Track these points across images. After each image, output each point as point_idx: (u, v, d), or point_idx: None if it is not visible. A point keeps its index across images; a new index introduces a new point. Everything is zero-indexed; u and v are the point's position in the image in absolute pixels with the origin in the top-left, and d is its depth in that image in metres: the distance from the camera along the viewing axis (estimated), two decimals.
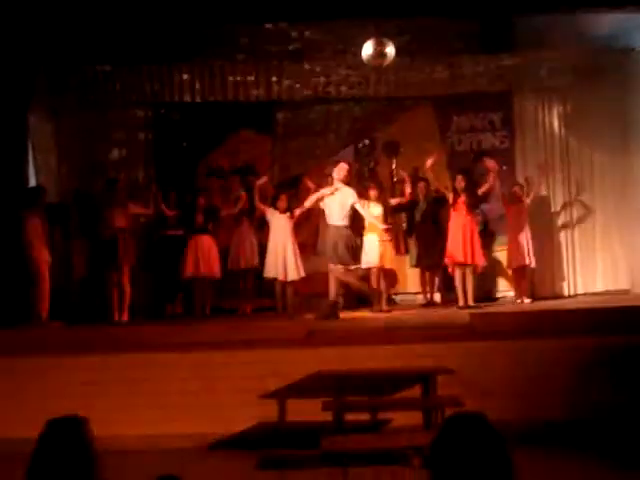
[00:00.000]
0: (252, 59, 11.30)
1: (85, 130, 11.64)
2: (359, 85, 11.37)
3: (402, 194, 11.12)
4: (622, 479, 5.91)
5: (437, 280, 11.32)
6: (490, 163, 10.88)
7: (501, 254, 11.41)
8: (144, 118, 12.00)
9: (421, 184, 11.06)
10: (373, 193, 10.61)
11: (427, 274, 11.25)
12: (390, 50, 9.71)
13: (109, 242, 10.25)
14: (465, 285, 10.37)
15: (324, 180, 10.91)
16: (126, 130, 11.86)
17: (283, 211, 10.54)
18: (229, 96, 11.44)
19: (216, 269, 10.83)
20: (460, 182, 10.43)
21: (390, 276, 11.12)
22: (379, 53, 9.71)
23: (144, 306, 11.09)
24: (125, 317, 10.39)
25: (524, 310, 10.09)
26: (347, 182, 9.74)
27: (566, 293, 11.68)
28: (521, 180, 11.43)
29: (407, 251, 11.58)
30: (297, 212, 10.49)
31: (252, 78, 11.32)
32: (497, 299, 11.62)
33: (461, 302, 10.34)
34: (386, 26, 10.13)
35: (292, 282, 10.62)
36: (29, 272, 9.73)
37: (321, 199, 9.70)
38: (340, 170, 9.72)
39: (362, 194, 10.91)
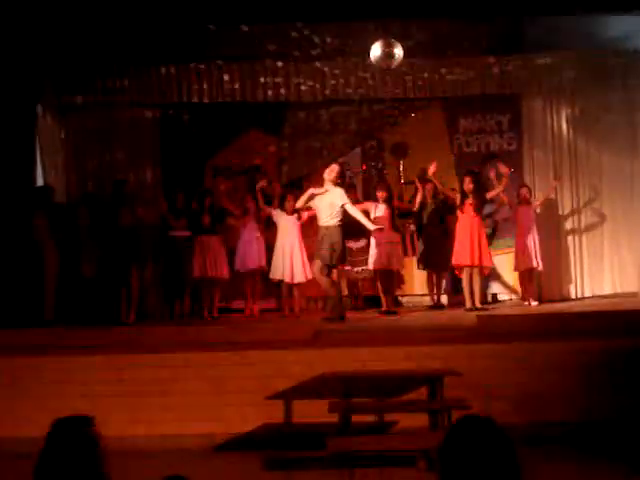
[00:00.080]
0: (260, 60, 11.29)
1: (93, 130, 11.67)
2: (367, 86, 11.35)
3: (412, 200, 11.10)
4: None
5: (444, 282, 11.31)
6: (504, 168, 10.87)
7: (508, 256, 11.38)
8: (152, 119, 12.02)
9: (429, 186, 11.03)
10: (381, 194, 10.61)
11: (434, 276, 11.24)
12: (398, 51, 9.70)
13: (118, 242, 10.27)
14: (472, 287, 10.35)
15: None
16: (134, 130, 11.88)
17: (291, 212, 10.54)
18: (237, 97, 11.44)
19: (223, 270, 10.83)
20: (468, 184, 10.41)
21: (397, 278, 11.12)
22: (387, 54, 9.71)
23: (152, 307, 11.10)
24: (132, 317, 10.40)
25: (531, 313, 10.07)
26: (337, 183, 9.72)
27: (573, 296, 11.66)
28: (528, 182, 11.43)
29: (415, 253, 11.56)
30: (305, 214, 10.49)
31: (260, 79, 11.32)
32: (502, 301, 11.60)
33: (468, 304, 10.33)
34: (394, 27, 10.12)
35: (299, 283, 10.62)
36: (36, 272, 9.75)
37: (312, 198, 9.69)
38: (331, 171, 9.72)
39: (370, 195, 10.94)
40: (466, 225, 10.31)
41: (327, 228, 9.58)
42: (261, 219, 11.14)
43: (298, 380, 7.39)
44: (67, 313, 10.13)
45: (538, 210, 11.19)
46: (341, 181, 9.79)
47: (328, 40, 10.95)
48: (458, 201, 10.47)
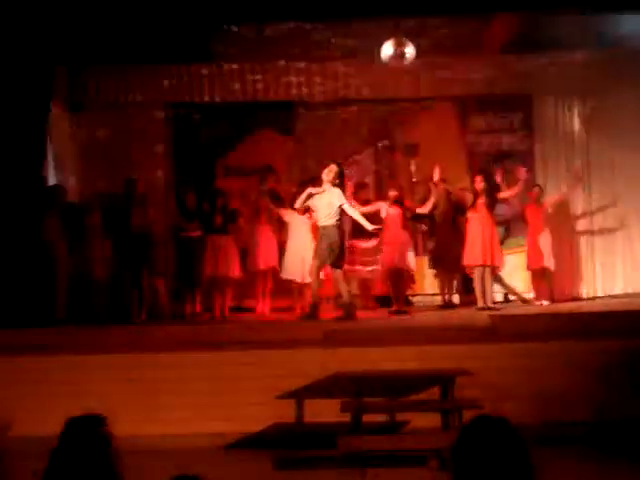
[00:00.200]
0: (272, 60, 11.30)
1: (105, 130, 11.69)
2: (379, 86, 11.35)
3: (424, 202, 11.07)
4: None
5: (455, 281, 11.28)
6: (522, 173, 10.85)
7: (520, 256, 11.35)
8: (164, 118, 12.04)
9: (441, 186, 11.01)
10: (393, 194, 10.60)
11: (445, 275, 11.21)
12: (410, 50, 9.69)
13: (129, 242, 10.29)
14: (484, 286, 10.32)
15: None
16: (146, 130, 11.89)
17: (302, 212, 10.53)
18: (249, 96, 11.45)
19: (235, 269, 10.83)
20: (479, 183, 10.38)
21: (408, 277, 11.10)
22: (399, 53, 9.70)
23: (164, 306, 11.11)
24: (144, 317, 10.42)
25: (544, 312, 10.03)
26: (335, 183, 9.70)
27: (585, 295, 11.62)
28: (540, 181, 11.40)
29: (426, 252, 11.55)
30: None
31: (272, 79, 11.32)
32: (513, 301, 11.56)
33: (480, 303, 10.30)
34: (406, 26, 10.10)
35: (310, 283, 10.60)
36: (48, 271, 9.78)
37: (309, 198, 9.69)
38: (329, 172, 9.70)
39: (382, 195, 10.91)
40: (478, 224, 10.28)
41: (325, 228, 9.57)
42: (272, 219, 11.13)
43: (309, 379, 7.39)
44: (79, 312, 10.14)
45: (550, 210, 11.15)
46: (339, 181, 9.77)
47: (340, 40, 10.94)
48: (470, 200, 10.43)
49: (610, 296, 11.50)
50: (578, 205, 11.70)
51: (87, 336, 8.82)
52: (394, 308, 10.51)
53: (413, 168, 12.12)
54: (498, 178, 10.67)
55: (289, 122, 12.16)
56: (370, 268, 10.94)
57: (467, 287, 11.04)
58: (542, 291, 10.93)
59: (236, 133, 12.11)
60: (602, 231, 11.72)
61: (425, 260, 11.49)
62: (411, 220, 10.98)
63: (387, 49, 9.67)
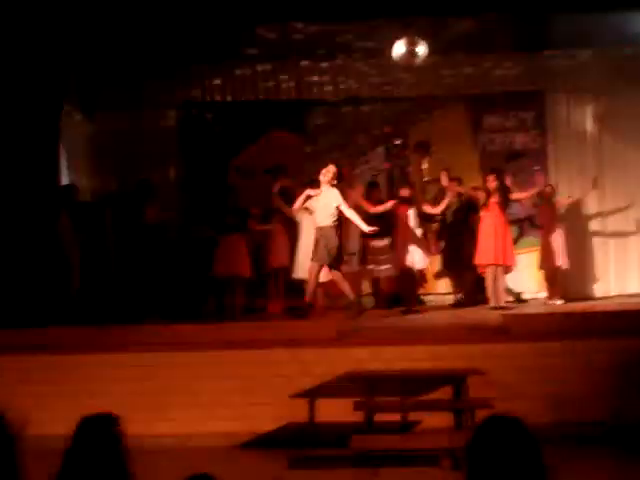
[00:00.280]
0: (283, 59, 11.30)
1: (117, 130, 11.72)
2: (390, 85, 11.33)
3: (437, 201, 11.04)
4: None
5: (467, 280, 11.25)
6: (539, 178, 10.82)
7: (533, 255, 11.31)
8: (176, 118, 12.06)
9: (453, 183, 10.99)
10: (405, 193, 10.59)
11: (457, 274, 11.19)
12: (421, 49, 9.68)
13: (143, 240, 10.32)
14: (497, 285, 10.29)
15: (354, 181, 10.96)
16: (158, 130, 11.93)
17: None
18: (260, 96, 11.46)
19: (246, 269, 10.84)
20: (492, 182, 10.34)
21: (420, 276, 11.08)
22: (410, 52, 9.69)
23: (176, 305, 11.12)
24: (157, 316, 10.42)
25: (557, 311, 10.00)
26: (333, 184, 9.68)
27: (598, 295, 11.58)
28: (553, 181, 11.37)
29: (438, 251, 11.53)
30: None
31: (284, 78, 11.33)
32: (526, 300, 11.53)
33: (492, 303, 10.27)
34: (417, 25, 10.09)
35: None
36: (61, 271, 9.81)
37: (308, 199, 9.68)
38: (327, 172, 9.68)
39: (393, 194, 10.89)
40: (490, 223, 10.24)
41: (322, 229, 9.55)
42: (284, 218, 11.13)
43: (322, 379, 7.38)
44: (92, 312, 10.17)
45: (563, 209, 11.11)
46: (337, 182, 9.75)
47: (351, 38, 10.93)
48: (483, 200, 10.40)
49: (624, 295, 11.45)
50: (591, 205, 11.65)
51: (98, 335, 8.82)
52: (406, 307, 10.50)
53: (425, 167, 12.10)
54: (508, 181, 10.61)
55: (301, 121, 12.17)
56: (383, 267, 10.93)
57: (479, 286, 11.01)
58: (555, 290, 10.90)
59: (248, 133, 12.13)
60: (615, 229, 11.67)
61: (437, 259, 11.48)
62: (423, 219, 10.95)
63: (399, 48, 9.65)
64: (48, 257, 9.74)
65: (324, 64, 11.35)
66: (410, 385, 7.18)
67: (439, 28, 10.52)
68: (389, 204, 10.69)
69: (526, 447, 2.20)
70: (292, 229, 11.05)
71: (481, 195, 10.48)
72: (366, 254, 10.99)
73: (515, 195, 10.60)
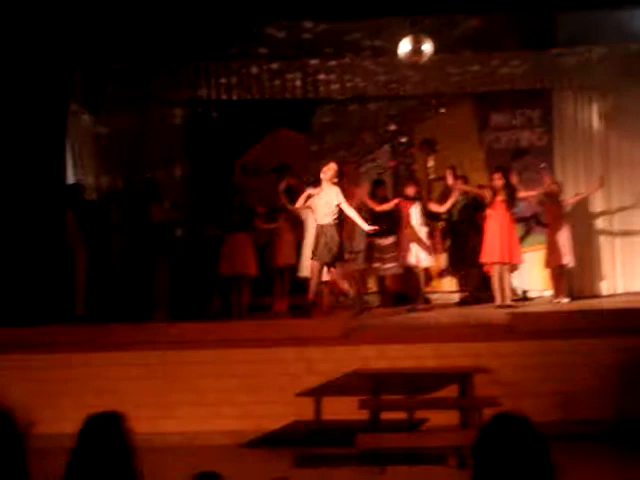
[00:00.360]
0: (289, 57, 11.29)
1: (123, 128, 11.73)
2: (396, 83, 11.31)
3: (443, 199, 11.01)
4: None
5: (473, 279, 11.24)
6: (547, 180, 10.80)
7: (539, 253, 11.29)
8: (181, 116, 12.07)
9: (459, 181, 10.97)
10: (411, 191, 10.57)
11: (463, 273, 11.18)
12: (427, 47, 9.66)
13: (149, 239, 10.32)
14: (503, 284, 10.27)
15: (359, 179, 10.94)
16: (163, 128, 11.94)
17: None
18: (266, 94, 11.46)
19: (252, 267, 10.85)
20: (498, 180, 10.31)
21: (426, 274, 11.07)
22: (416, 50, 9.67)
23: (182, 304, 11.14)
24: (163, 314, 10.44)
25: (563, 310, 9.98)
26: (335, 182, 9.67)
27: (605, 292, 11.55)
28: (560, 178, 11.35)
29: (444, 249, 11.51)
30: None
31: (289, 76, 11.32)
32: (533, 298, 11.51)
33: (498, 301, 10.25)
34: (424, 23, 10.07)
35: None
36: (67, 269, 9.83)
37: (309, 198, 9.67)
38: (328, 170, 9.67)
39: (400, 192, 10.88)
40: (496, 222, 10.21)
41: (322, 227, 9.54)
42: (290, 217, 11.13)
43: (328, 377, 7.38)
44: (98, 310, 10.19)
45: (569, 207, 11.10)
46: (338, 180, 9.74)
47: (357, 37, 10.92)
48: (489, 198, 10.36)
49: (631, 293, 11.42)
50: (598, 202, 11.62)
51: (104, 333, 8.83)
52: (412, 305, 10.49)
53: (431, 165, 12.09)
54: (514, 179, 10.57)
55: (306, 120, 12.17)
56: (389, 265, 10.92)
57: (485, 285, 10.99)
58: (561, 289, 10.88)
59: (254, 131, 12.13)
60: (622, 227, 11.65)
61: (443, 257, 11.46)
62: (429, 218, 10.94)
63: (404, 46, 9.63)
64: (54, 255, 9.75)
65: (331, 62, 11.33)
66: (416, 383, 7.18)
67: (446, 26, 10.49)
68: (394, 202, 10.67)
69: (534, 446, 2.19)
70: (298, 228, 11.04)
71: (487, 193, 10.46)
72: (372, 252, 10.99)
73: (522, 194, 10.57)
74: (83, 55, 10.56)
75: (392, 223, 10.60)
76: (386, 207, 10.58)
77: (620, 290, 11.57)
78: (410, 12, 9.75)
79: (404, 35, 9.82)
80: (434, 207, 11.00)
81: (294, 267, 10.92)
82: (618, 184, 11.63)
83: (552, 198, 10.88)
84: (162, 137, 11.88)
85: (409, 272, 10.62)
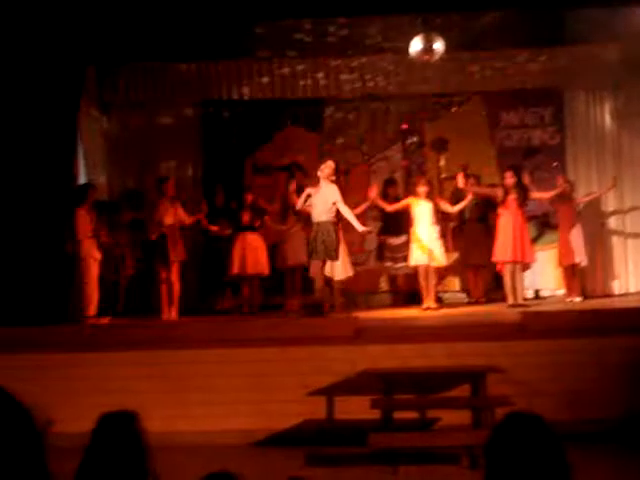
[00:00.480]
0: (300, 56, 11.29)
1: (134, 128, 11.77)
2: (407, 81, 11.30)
3: (454, 199, 10.96)
4: None
5: (485, 278, 11.21)
6: (560, 181, 10.77)
7: (552, 252, 11.25)
8: (193, 116, 12.09)
9: (470, 180, 10.93)
10: (422, 190, 10.53)
11: (475, 272, 11.15)
12: (438, 45, 9.64)
13: (159, 239, 10.32)
14: (515, 283, 10.23)
15: (366, 177, 10.93)
16: (175, 128, 11.95)
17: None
18: (277, 93, 11.46)
19: (263, 266, 10.85)
20: (510, 179, 10.26)
21: (437, 274, 11.04)
22: (427, 48, 9.65)
23: (193, 303, 11.15)
24: (174, 313, 10.45)
25: (576, 309, 9.94)
26: (332, 180, 9.64)
27: (617, 292, 11.50)
28: (572, 177, 11.30)
29: (456, 249, 11.48)
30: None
31: (300, 75, 11.32)
32: (545, 298, 11.47)
33: (510, 300, 10.20)
34: (435, 22, 10.05)
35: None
36: (78, 269, 9.85)
37: (309, 197, 9.66)
38: (326, 168, 9.65)
39: (411, 191, 10.85)
40: (509, 221, 10.16)
41: (319, 224, 9.52)
42: (301, 216, 11.12)
43: (340, 376, 7.39)
44: (109, 310, 10.21)
45: (581, 206, 11.06)
46: (336, 177, 9.72)
47: (368, 35, 10.91)
48: (501, 196, 10.31)
49: None
50: (610, 202, 11.57)
51: (117, 333, 8.86)
52: (424, 305, 10.46)
53: (442, 164, 12.06)
54: (526, 179, 10.50)
55: (317, 119, 12.16)
56: (400, 265, 10.90)
57: (497, 284, 10.96)
58: (573, 288, 10.84)
59: (265, 130, 12.14)
60: (634, 226, 11.60)
61: (455, 256, 11.43)
62: (440, 217, 10.89)
63: (416, 44, 9.61)
64: (65, 256, 9.77)
65: (342, 62, 11.32)
66: (428, 383, 7.18)
67: (457, 25, 10.48)
68: (406, 202, 10.64)
69: (548, 445, 2.17)
70: (309, 227, 11.02)
71: (499, 192, 10.41)
72: (383, 251, 10.96)
73: (535, 194, 10.51)
74: (95, 54, 10.58)
75: (404, 221, 10.58)
76: (398, 207, 10.56)
77: (632, 289, 11.52)
78: (421, 10, 9.73)
79: (415, 34, 9.80)
80: (446, 207, 10.95)
81: (305, 266, 10.91)
82: (630, 183, 11.58)
83: (564, 197, 10.83)
84: (173, 137, 11.89)
85: (420, 271, 10.56)
